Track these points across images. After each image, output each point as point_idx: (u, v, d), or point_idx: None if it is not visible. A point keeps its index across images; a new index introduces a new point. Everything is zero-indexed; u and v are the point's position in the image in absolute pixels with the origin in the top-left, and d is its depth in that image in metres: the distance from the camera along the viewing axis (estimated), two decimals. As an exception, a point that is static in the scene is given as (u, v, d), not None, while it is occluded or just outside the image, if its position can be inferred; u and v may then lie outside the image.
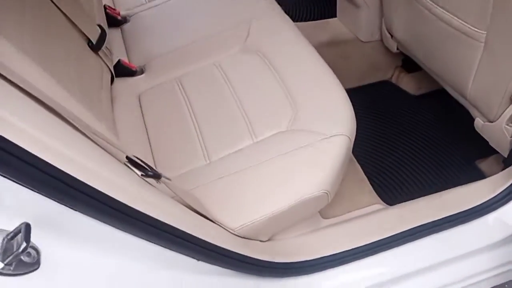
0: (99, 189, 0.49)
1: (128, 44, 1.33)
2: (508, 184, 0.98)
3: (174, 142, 1.04)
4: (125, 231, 0.55)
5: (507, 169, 1.04)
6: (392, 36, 1.45)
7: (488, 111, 1.13)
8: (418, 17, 1.24)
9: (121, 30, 1.40)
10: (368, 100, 1.58)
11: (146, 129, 1.09)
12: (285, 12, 1.31)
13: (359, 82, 1.62)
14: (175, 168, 0.99)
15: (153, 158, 1.03)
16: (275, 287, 0.84)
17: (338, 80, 1.07)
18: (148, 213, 0.56)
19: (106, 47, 1.11)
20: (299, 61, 1.14)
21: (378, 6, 1.46)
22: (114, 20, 1.39)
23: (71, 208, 0.48)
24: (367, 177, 1.25)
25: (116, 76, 1.19)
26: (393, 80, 1.64)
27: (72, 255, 0.51)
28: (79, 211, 0.49)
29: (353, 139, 0.97)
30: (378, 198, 1.15)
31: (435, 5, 1.14)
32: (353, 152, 1.33)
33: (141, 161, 0.73)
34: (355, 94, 1.58)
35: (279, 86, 1.08)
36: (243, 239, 0.85)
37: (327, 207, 0.97)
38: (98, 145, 0.64)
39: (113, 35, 1.37)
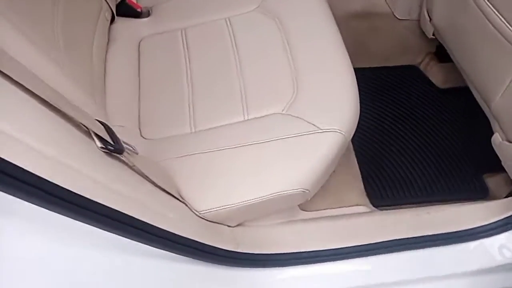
0: (27, 168, 0.45)
1: (140, -21, 1.22)
2: (504, 215, 0.91)
3: (164, 101, 0.98)
4: (59, 213, 0.51)
5: (508, 199, 0.96)
6: (430, 19, 1.30)
7: (509, 130, 1.03)
8: (462, 5, 1.09)
9: (136, -40, 1.28)
10: (389, 83, 1.46)
11: (139, 79, 1.03)
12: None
13: (384, 62, 1.49)
14: (158, 130, 0.94)
15: (139, 113, 0.98)
16: (233, 276, 0.82)
17: (352, 68, 0.96)
18: (87, 195, 0.52)
19: (109, -18, 1.02)
20: (317, 36, 1.02)
21: (423, -18, 1.29)
22: None
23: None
24: (362, 170, 1.18)
25: (118, 15, 1.11)
26: (421, 67, 1.50)
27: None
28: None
29: (350, 137, 0.89)
30: (366, 199, 1.09)
31: (481, -6, 0.99)
32: (354, 140, 1.25)
33: (109, 130, 0.68)
34: (376, 74, 1.48)
35: (287, 61, 0.99)
36: (208, 223, 0.82)
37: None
38: (63, 113, 0.59)
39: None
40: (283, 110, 0.91)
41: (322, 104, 0.90)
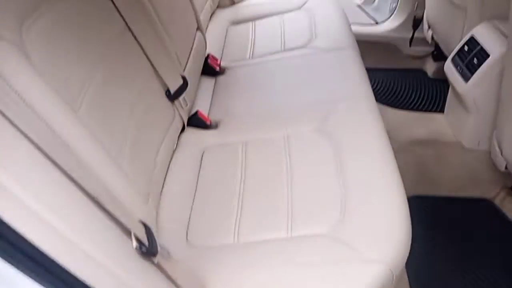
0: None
1: (215, 96, 1.37)
2: None
3: (214, 209, 1.02)
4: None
5: None
6: (502, 152, 1.24)
7: None
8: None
9: (215, 80, 1.45)
10: (456, 217, 1.35)
11: (197, 186, 1.09)
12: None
13: (451, 192, 1.41)
14: (203, 237, 0.96)
15: (190, 218, 1.01)
16: None
17: (405, 197, 0.93)
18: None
19: (184, 97, 1.16)
20: (370, 162, 1.02)
21: (491, 114, 1.26)
22: (212, 70, 1.45)
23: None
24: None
25: (190, 125, 1.23)
26: (497, 202, 1.38)
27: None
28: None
29: (396, 272, 0.82)
30: None
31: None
32: (410, 273, 1.14)
33: (148, 232, 0.71)
34: (443, 205, 1.39)
35: (337, 183, 0.98)
36: None
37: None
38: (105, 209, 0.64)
39: (207, 84, 1.43)
40: (328, 232, 0.89)
41: (369, 231, 0.86)
